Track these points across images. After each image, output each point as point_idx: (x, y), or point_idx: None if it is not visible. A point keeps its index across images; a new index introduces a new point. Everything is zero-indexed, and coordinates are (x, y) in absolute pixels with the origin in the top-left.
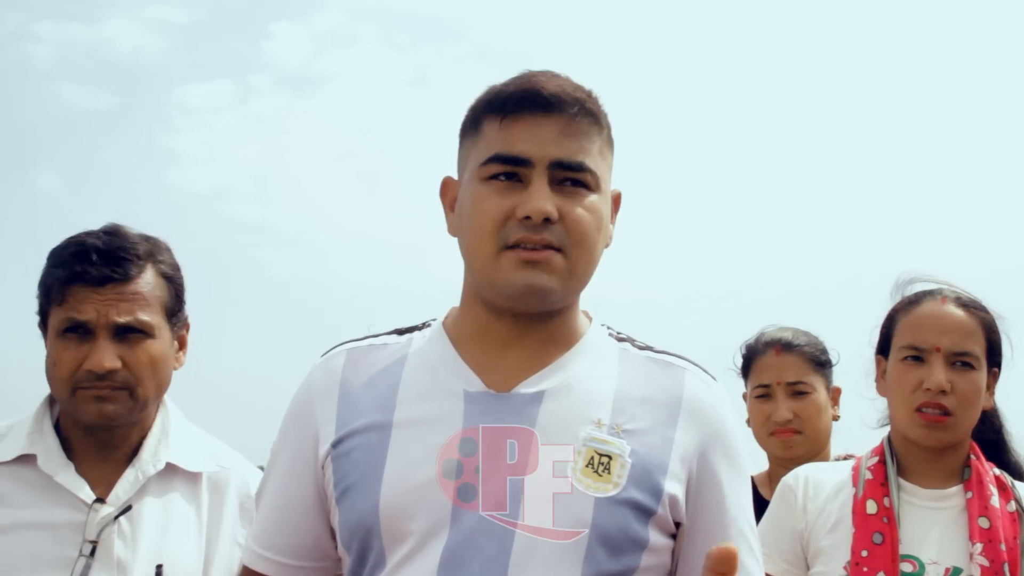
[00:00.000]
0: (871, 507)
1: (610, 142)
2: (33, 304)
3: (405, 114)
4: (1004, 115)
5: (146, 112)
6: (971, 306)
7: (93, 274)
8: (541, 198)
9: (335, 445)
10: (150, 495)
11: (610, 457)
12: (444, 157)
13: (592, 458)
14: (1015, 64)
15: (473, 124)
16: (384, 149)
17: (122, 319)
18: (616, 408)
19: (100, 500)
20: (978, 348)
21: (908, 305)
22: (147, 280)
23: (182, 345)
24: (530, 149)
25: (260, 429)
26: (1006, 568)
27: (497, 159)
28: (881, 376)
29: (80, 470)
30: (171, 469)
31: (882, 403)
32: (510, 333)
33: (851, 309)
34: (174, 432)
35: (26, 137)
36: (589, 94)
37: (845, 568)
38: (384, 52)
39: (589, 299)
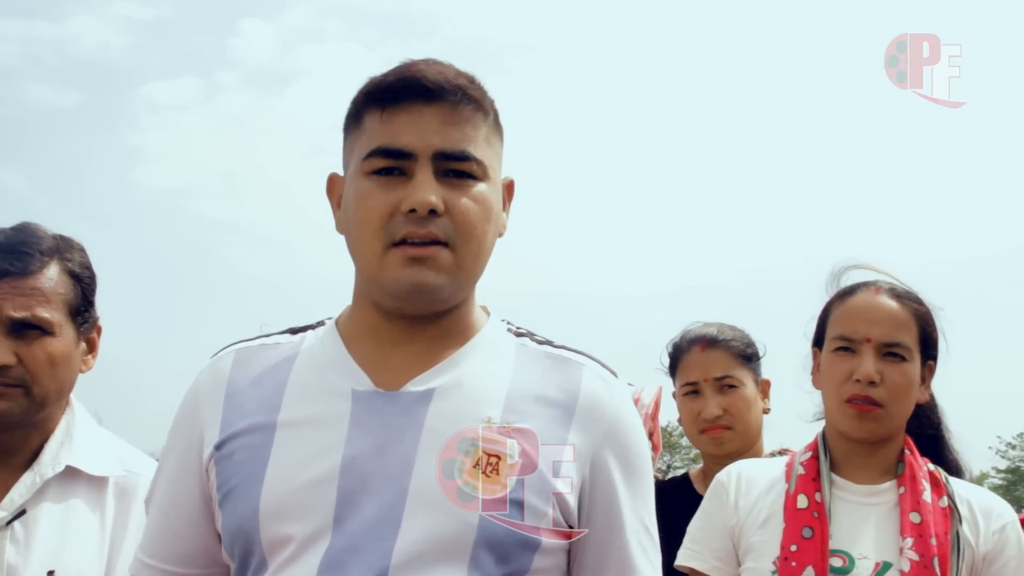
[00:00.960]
0: (802, 502)
1: (497, 128)
2: None
3: None
4: (978, 109)
5: (112, 110)
6: (905, 297)
7: None
8: (426, 190)
9: (218, 447)
10: (48, 500)
11: (499, 457)
12: None
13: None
14: (999, 61)
15: (355, 117)
16: None
17: (18, 314)
18: (508, 406)
19: None
20: (910, 339)
21: (842, 296)
22: (49, 276)
23: (91, 348)
24: (412, 141)
25: None
26: (935, 563)
27: (379, 152)
28: (816, 369)
29: None
30: (74, 473)
31: (818, 396)
32: (401, 332)
33: (820, 303)
34: (79, 435)
35: None
36: (471, 80)
37: (775, 563)
38: (353, 48)
39: (560, 293)
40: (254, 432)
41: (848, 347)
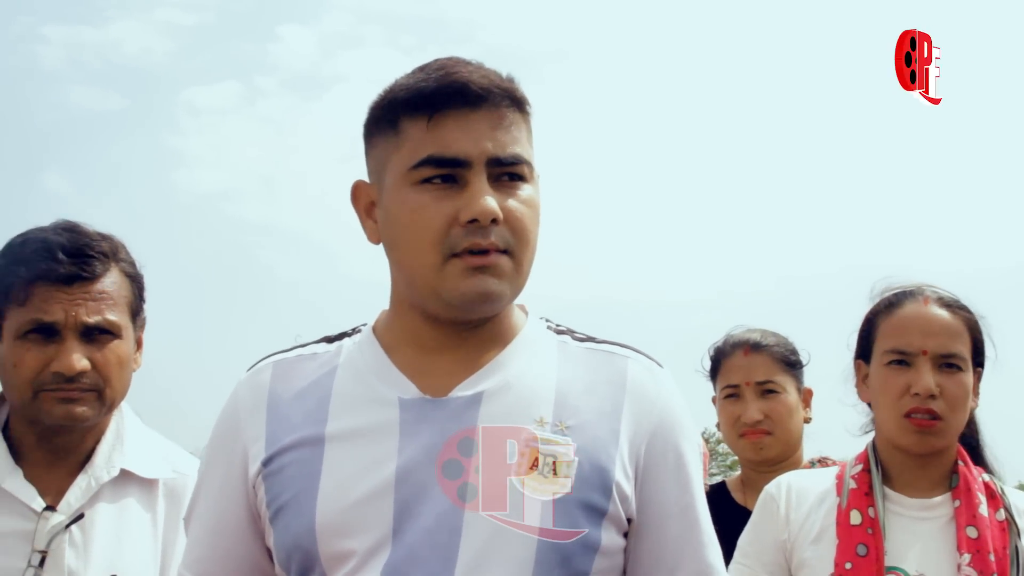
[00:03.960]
0: (855, 517)
1: (531, 124)
2: None
3: None
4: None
5: (154, 113)
6: (954, 306)
7: (60, 272)
8: (487, 199)
9: (266, 463)
10: (103, 502)
11: (555, 457)
12: None
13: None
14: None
15: (389, 123)
16: None
17: (91, 319)
18: (558, 404)
19: (50, 508)
20: (964, 349)
21: (888, 307)
22: (113, 279)
23: (139, 346)
24: (466, 148)
25: None
26: None
27: (431, 161)
28: (862, 381)
29: (29, 476)
30: (126, 475)
31: (863, 408)
32: (446, 337)
33: (859, 312)
34: (129, 437)
35: (35, 139)
36: (512, 80)
37: None
38: (391, 54)
39: (598, 298)
40: (303, 446)
41: (903, 360)
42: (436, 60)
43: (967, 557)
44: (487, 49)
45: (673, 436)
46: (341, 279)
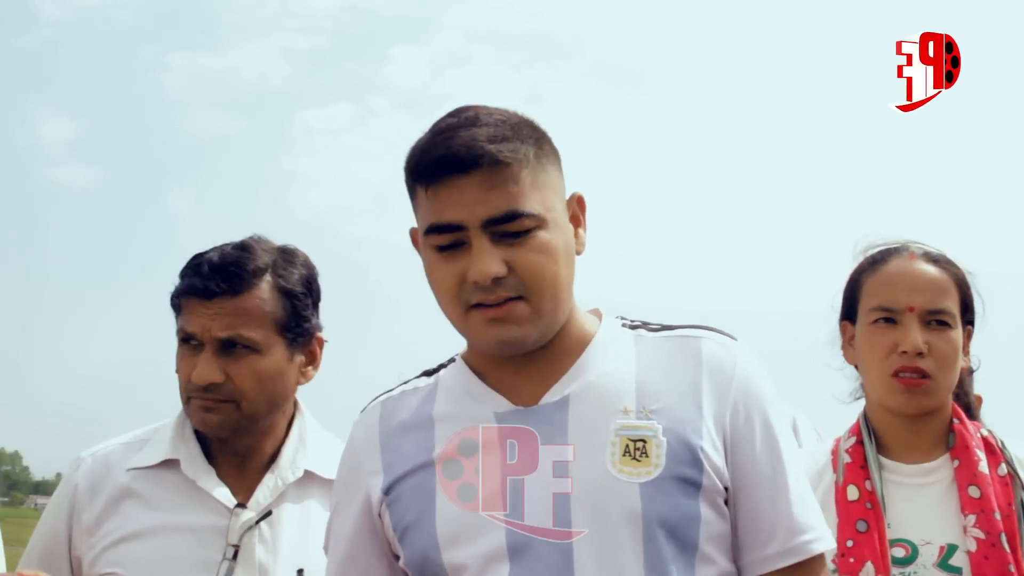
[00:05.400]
0: (852, 493)
1: (545, 158)
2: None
3: None
4: None
5: (271, 135)
6: (941, 261)
7: (200, 287)
8: (484, 262)
9: (387, 492)
10: (289, 501)
11: (644, 440)
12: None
13: (627, 446)
14: None
15: (410, 190)
16: None
17: (223, 334)
18: (640, 393)
19: (241, 505)
20: (953, 305)
21: (873, 264)
22: (257, 296)
23: (311, 359)
24: (459, 214)
25: None
26: (1003, 539)
27: (433, 230)
28: (848, 343)
29: (221, 476)
30: (309, 476)
31: (852, 373)
32: (520, 361)
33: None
34: (311, 440)
35: (158, 162)
36: (504, 135)
37: (833, 561)
38: (499, 72)
39: (710, 311)
40: (416, 472)
41: (889, 318)
42: (450, 117)
43: (972, 518)
44: (596, 64)
45: (755, 403)
46: None
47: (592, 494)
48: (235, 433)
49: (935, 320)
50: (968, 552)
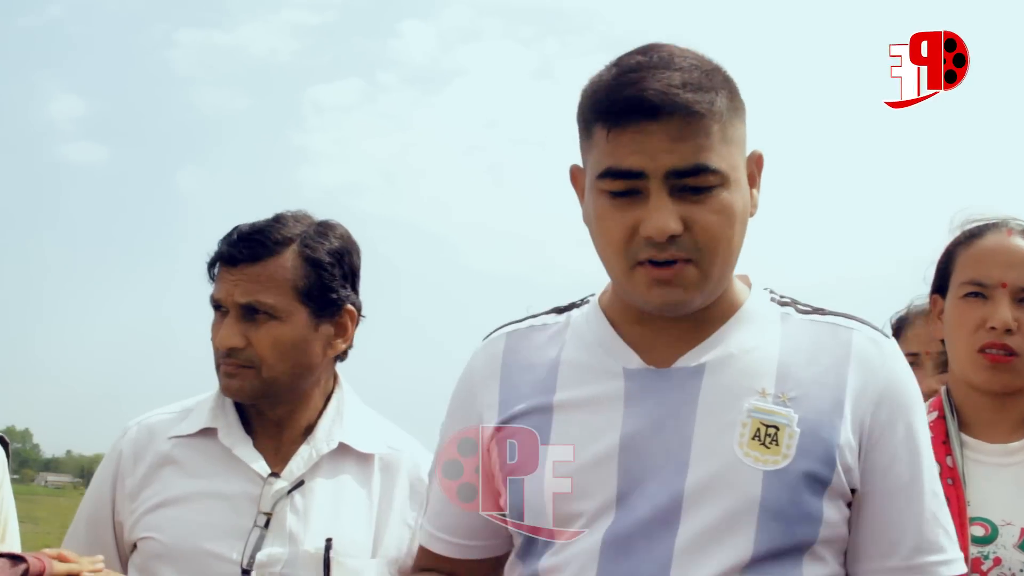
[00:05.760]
0: None
1: (735, 110)
2: (193, 291)
3: (531, 107)
4: None
5: (280, 112)
6: None
7: (226, 255)
8: (661, 216)
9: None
10: (322, 473)
11: (777, 428)
12: (571, 149)
13: (758, 429)
14: None
15: (584, 125)
16: (511, 142)
17: (242, 299)
18: (780, 376)
19: (275, 474)
20: None
21: (969, 238)
22: (279, 264)
23: (341, 331)
24: (641, 161)
25: (388, 418)
26: None
27: (609, 174)
28: (938, 316)
29: (257, 445)
30: (344, 449)
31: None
32: (662, 317)
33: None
34: (348, 413)
35: (167, 140)
36: (700, 83)
37: None
38: (510, 46)
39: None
40: (532, 414)
41: (980, 292)
42: (639, 55)
43: None
44: (606, 39)
45: (901, 407)
46: (460, 270)
47: (712, 473)
48: (263, 400)
49: None
50: None
